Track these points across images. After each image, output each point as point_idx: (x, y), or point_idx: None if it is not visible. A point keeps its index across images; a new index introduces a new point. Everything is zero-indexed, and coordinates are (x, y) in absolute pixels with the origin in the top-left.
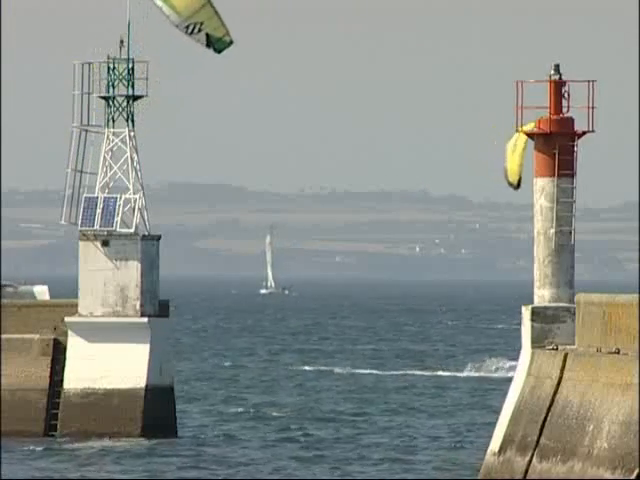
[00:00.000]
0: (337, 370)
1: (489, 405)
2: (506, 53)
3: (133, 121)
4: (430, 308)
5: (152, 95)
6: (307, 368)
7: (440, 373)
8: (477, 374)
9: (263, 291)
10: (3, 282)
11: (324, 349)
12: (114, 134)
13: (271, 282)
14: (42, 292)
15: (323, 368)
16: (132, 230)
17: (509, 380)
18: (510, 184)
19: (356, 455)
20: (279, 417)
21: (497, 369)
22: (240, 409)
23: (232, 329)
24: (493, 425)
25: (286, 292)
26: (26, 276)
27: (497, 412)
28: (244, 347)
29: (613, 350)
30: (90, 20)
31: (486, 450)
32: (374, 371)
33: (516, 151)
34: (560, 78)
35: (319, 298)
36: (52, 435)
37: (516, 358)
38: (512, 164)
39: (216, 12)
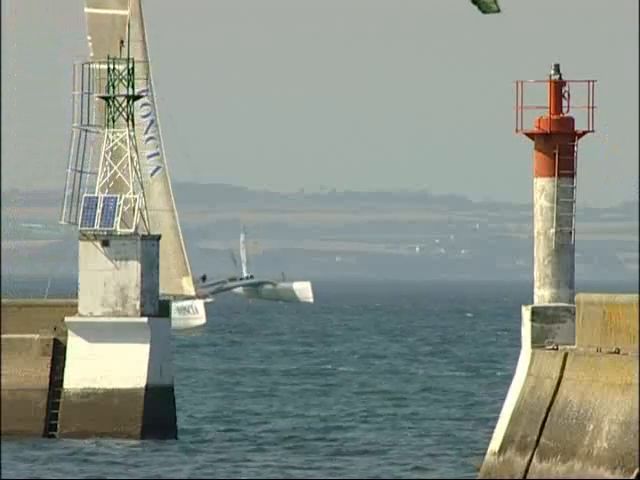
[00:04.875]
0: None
1: None
2: (506, 53)
3: (133, 121)
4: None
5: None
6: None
7: None
8: None
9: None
10: (262, 279)
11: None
12: (114, 134)
13: None
14: (303, 289)
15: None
16: (132, 230)
17: None
18: None
19: None
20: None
21: None
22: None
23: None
24: None
25: None
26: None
27: None
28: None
29: (613, 350)
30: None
31: None
32: None
33: None
34: (560, 78)
35: None
36: (52, 435)
37: None
38: None
39: None
